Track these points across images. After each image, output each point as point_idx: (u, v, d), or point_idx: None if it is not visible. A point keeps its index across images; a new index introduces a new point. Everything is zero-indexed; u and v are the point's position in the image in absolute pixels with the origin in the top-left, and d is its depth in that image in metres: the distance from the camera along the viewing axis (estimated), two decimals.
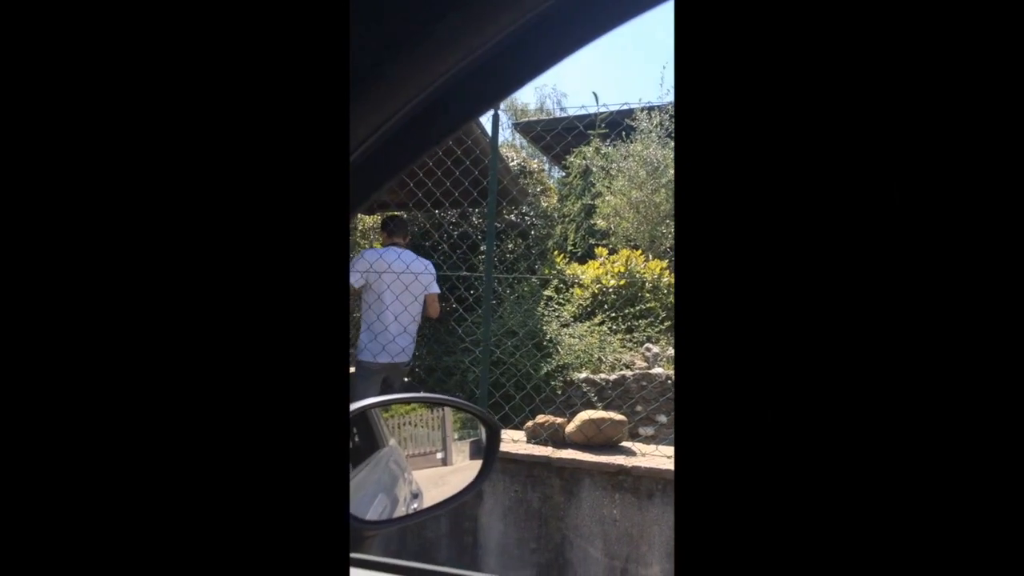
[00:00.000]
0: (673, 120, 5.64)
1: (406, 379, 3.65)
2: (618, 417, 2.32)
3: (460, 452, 1.15)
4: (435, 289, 2.93)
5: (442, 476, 1.13)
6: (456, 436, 1.15)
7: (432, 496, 1.03)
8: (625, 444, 2.32)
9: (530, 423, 2.37)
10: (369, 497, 1.00)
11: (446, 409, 1.17)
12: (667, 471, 2.02)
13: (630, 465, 2.06)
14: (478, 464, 1.00)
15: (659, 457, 2.18)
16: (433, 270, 2.95)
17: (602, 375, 3.42)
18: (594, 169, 6.20)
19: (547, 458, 2.17)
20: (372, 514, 0.91)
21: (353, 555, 0.70)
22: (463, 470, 1.05)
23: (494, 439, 0.95)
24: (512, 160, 6.44)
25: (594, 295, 4.25)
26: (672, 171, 5.22)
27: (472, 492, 0.97)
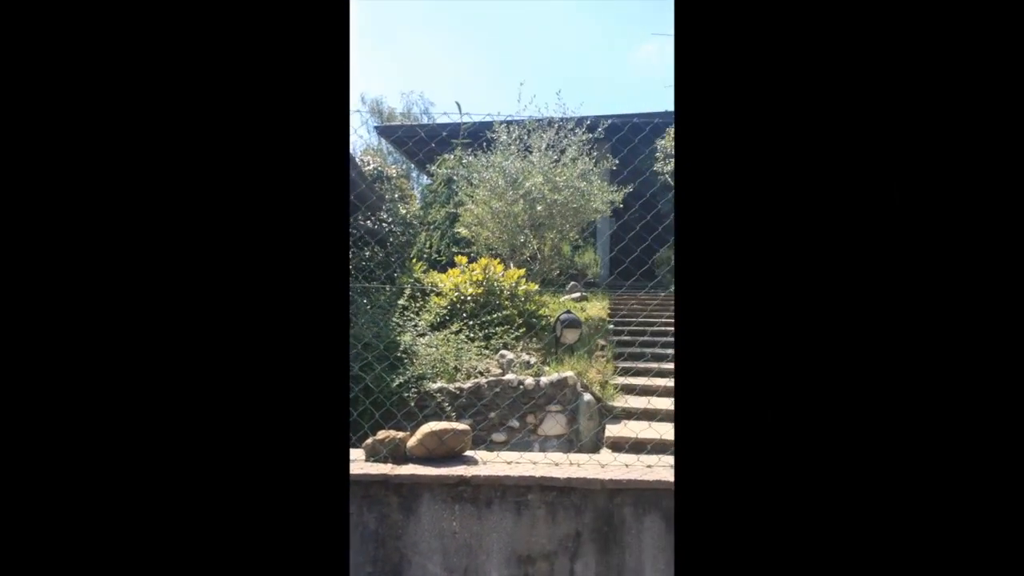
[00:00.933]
0: (529, 134, 5.87)
1: None
2: (460, 427, 2.30)
3: None
4: None
5: None
6: None
7: None
8: (469, 453, 2.29)
9: (369, 440, 2.25)
10: None
11: None
12: (505, 477, 2.03)
13: (470, 475, 2.04)
14: None
15: (499, 464, 2.19)
16: None
17: (457, 384, 3.40)
18: (456, 178, 6.22)
19: (384, 476, 2.07)
20: None
21: None
22: None
23: None
24: (368, 165, 6.21)
25: (452, 303, 4.22)
26: (528, 183, 5.41)
27: None
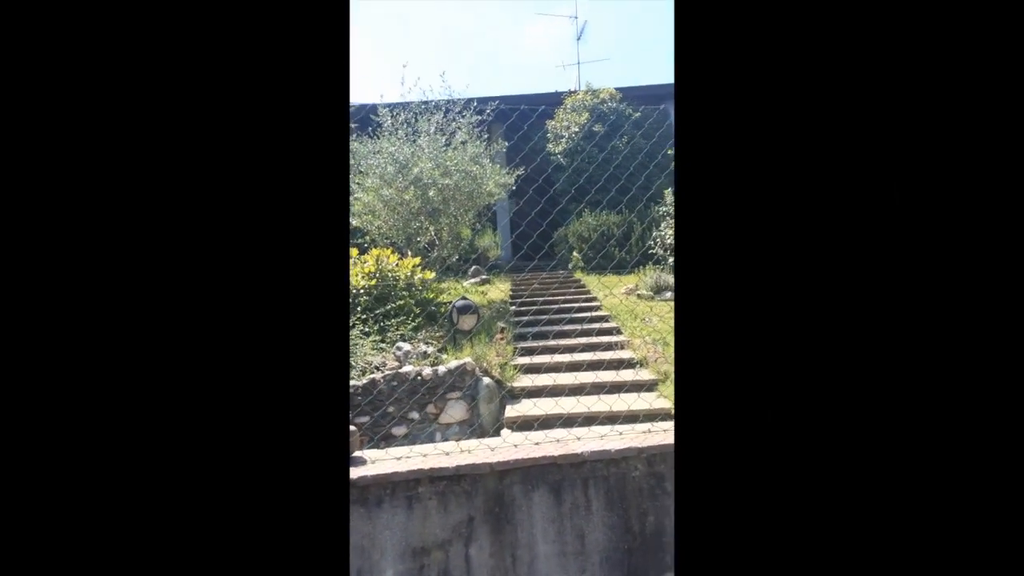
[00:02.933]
0: (416, 118, 5.73)
1: None
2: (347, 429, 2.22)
3: None
4: None
5: None
6: None
7: None
8: (356, 454, 2.23)
9: None
10: None
11: None
12: (393, 474, 2.01)
13: (356, 476, 1.99)
14: None
15: (389, 461, 2.16)
16: None
17: (352, 382, 3.29)
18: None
19: None
20: None
21: None
22: None
23: None
24: None
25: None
26: (417, 168, 5.30)
27: None
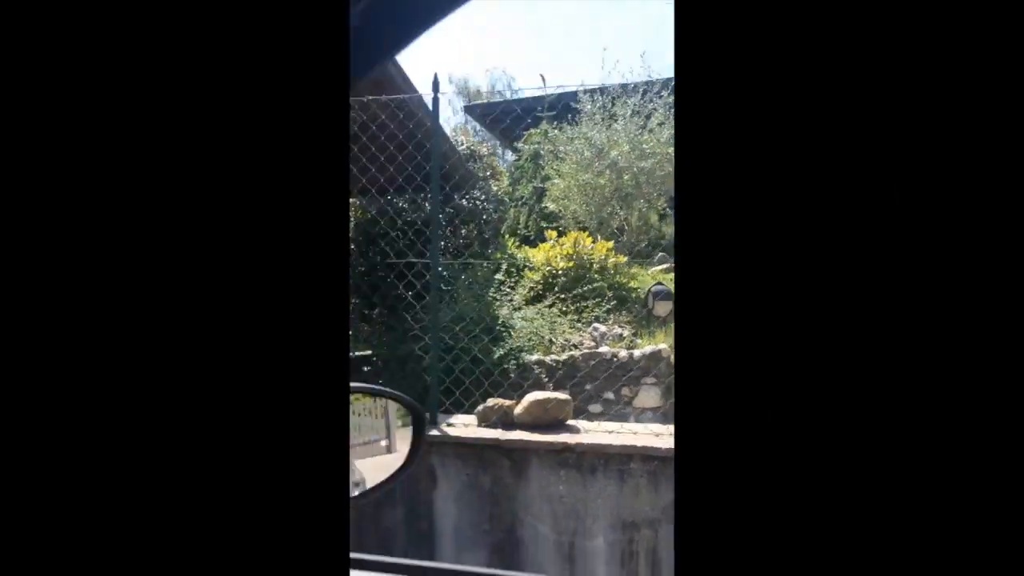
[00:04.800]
0: (613, 102, 5.73)
1: (365, 368, 3.64)
2: (563, 397, 2.42)
3: (404, 439, 1.19)
4: None
5: (387, 463, 1.16)
6: (400, 424, 1.18)
7: (375, 480, 1.06)
8: (571, 422, 2.42)
9: (480, 407, 2.44)
10: None
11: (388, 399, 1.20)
12: (608, 446, 2.13)
13: (574, 442, 2.17)
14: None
15: (600, 433, 2.29)
16: None
17: (553, 356, 3.52)
18: (543, 152, 6.24)
19: (496, 440, 2.25)
20: None
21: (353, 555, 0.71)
22: (405, 457, 1.08)
23: (419, 423, 1.00)
24: (461, 144, 6.40)
25: (545, 278, 4.33)
26: (613, 152, 5.32)
27: (402, 475, 1.02)
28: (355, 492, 1.10)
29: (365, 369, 3.70)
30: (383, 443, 1.18)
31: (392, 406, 1.21)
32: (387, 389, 1.08)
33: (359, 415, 1.23)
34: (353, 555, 0.69)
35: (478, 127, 9.42)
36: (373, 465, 1.16)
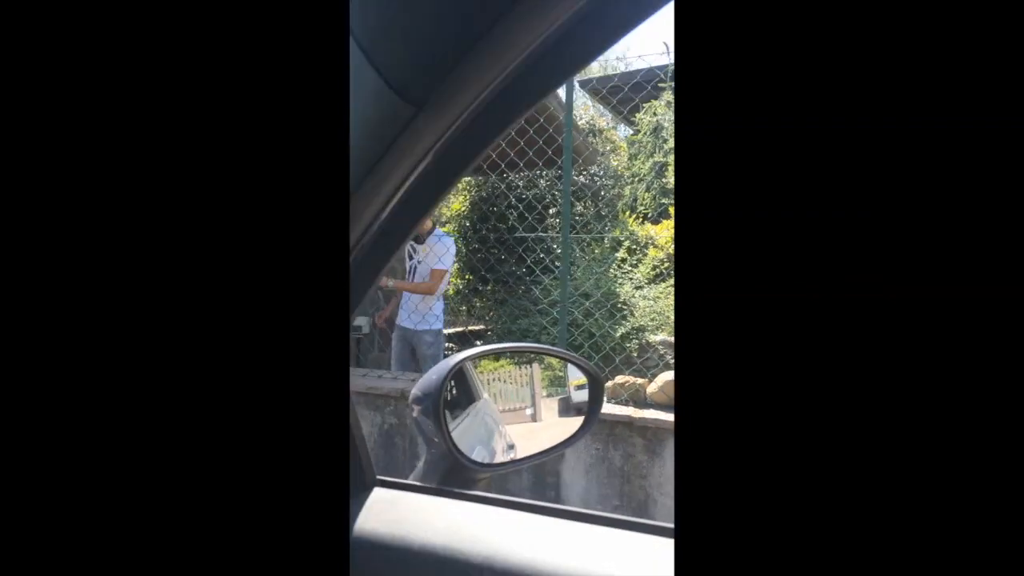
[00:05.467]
0: None
1: (447, 345, 3.73)
2: None
3: (549, 409, 1.17)
4: (441, 265, 2.99)
5: (532, 431, 1.16)
6: (544, 393, 1.17)
7: (525, 449, 1.06)
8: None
9: (610, 383, 2.38)
10: (470, 445, 1.04)
11: (534, 366, 1.19)
12: None
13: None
14: (567, 421, 1.02)
15: None
16: (451, 248, 3.07)
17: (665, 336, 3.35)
18: (666, 125, 5.90)
19: (629, 417, 2.17)
20: (477, 459, 0.95)
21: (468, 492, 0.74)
22: (551, 426, 1.06)
23: (597, 391, 0.96)
24: (581, 119, 6.26)
25: (669, 256, 4.12)
26: None
27: (574, 443, 0.99)
28: (510, 454, 1.10)
29: (478, 343, 3.79)
30: (528, 411, 1.18)
31: (537, 375, 1.19)
32: (563, 351, 1.06)
33: (503, 382, 1.23)
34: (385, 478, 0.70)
35: (592, 102, 9.19)
36: (520, 433, 1.15)
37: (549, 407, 1.19)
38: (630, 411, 2.21)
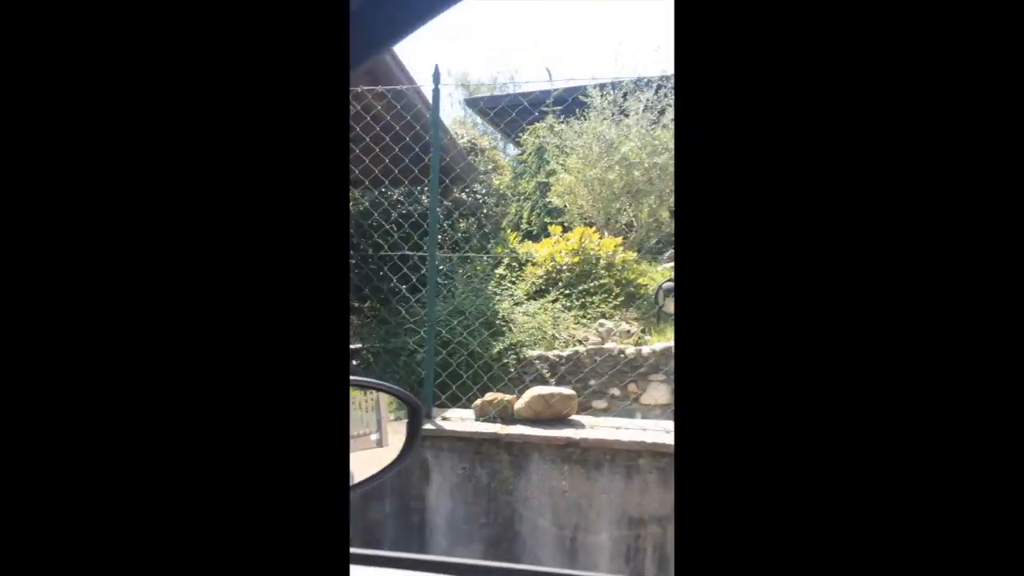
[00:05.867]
0: (625, 97, 5.64)
1: (354, 362, 3.54)
2: (567, 392, 2.31)
3: (396, 433, 1.11)
4: None
5: (378, 457, 1.09)
6: (392, 417, 1.11)
7: (363, 475, 0.99)
8: (575, 418, 2.31)
9: (478, 401, 2.34)
10: None
11: (381, 393, 1.13)
12: (615, 442, 2.03)
13: (579, 438, 2.06)
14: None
15: (607, 428, 2.18)
16: None
17: (555, 352, 3.42)
18: (548, 147, 6.14)
19: (495, 435, 2.14)
20: None
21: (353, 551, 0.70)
22: (399, 451, 1.01)
23: (416, 417, 0.92)
24: (462, 137, 6.31)
25: (548, 273, 4.23)
26: (624, 148, 5.22)
27: (395, 469, 0.94)
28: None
29: (354, 363, 3.60)
30: (373, 437, 1.11)
31: (384, 400, 1.13)
32: (381, 382, 1.01)
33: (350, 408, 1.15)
34: (352, 550, 0.69)
35: (479, 121, 9.35)
36: (363, 459, 1.09)
37: (397, 431, 1.12)
38: (497, 428, 2.18)
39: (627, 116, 5.50)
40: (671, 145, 5.20)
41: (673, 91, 5.57)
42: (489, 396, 2.33)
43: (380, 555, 0.76)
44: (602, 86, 5.77)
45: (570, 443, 2.08)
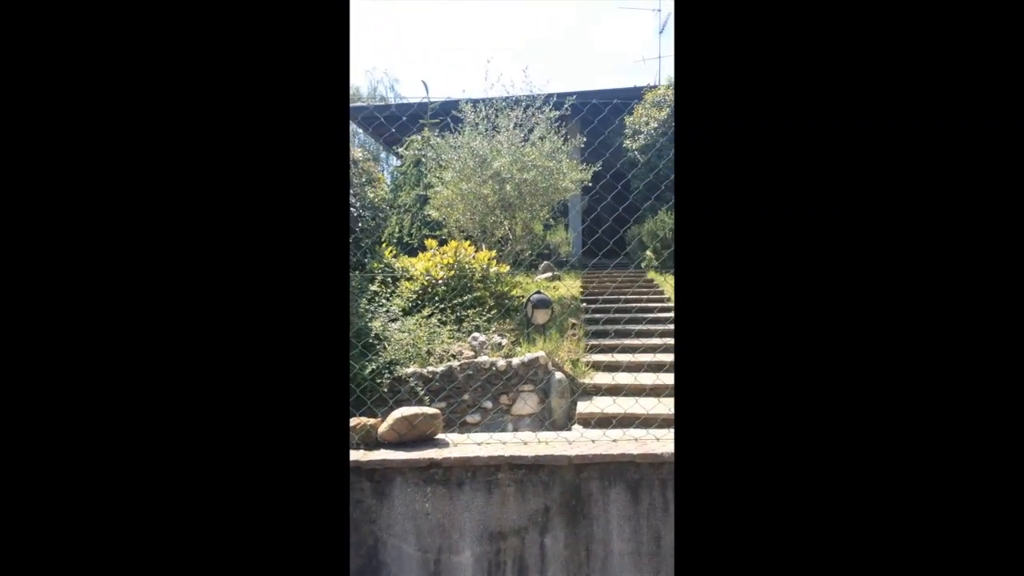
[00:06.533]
0: (497, 114, 5.82)
1: None
2: (431, 411, 2.33)
3: None
4: None
5: None
6: None
7: None
8: (440, 436, 2.34)
9: None
10: None
11: None
12: (475, 458, 2.09)
13: (440, 457, 2.09)
14: None
15: (470, 445, 2.24)
16: None
17: (430, 368, 3.42)
18: (425, 159, 6.15)
19: (356, 462, 2.10)
20: None
21: None
22: None
23: None
24: None
25: (424, 287, 4.22)
26: (496, 163, 5.39)
27: None
28: None
29: None
30: None
31: None
32: None
33: None
34: None
35: (358, 130, 9.06)
36: None
37: None
38: (359, 455, 2.14)
39: (499, 132, 5.68)
40: (539, 162, 5.46)
41: (539, 111, 5.85)
42: (353, 421, 2.28)
43: None
44: (474, 102, 5.91)
45: (432, 464, 2.11)
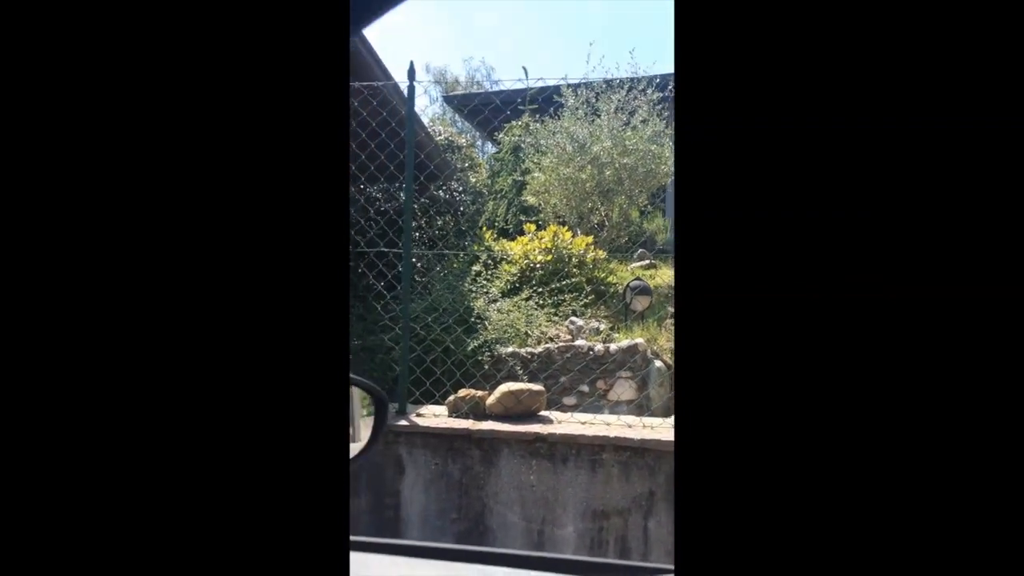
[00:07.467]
0: (598, 97, 5.73)
1: None
2: (536, 388, 2.39)
3: (367, 428, 1.16)
4: None
5: (351, 450, 1.13)
6: (364, 412, 1.15)
7: None
8: (544, 413, 2.39)
9: (451, 397, 2.40)
10: None
11: (352, 388, 1.17)
12: (580, 436, 2.12)
13: (546, 432, 2.14)
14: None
15: (574, 423, 2.27)
16: None
17: (528, 348, 3.50)
18: (523, 145, 6.21)
19: (467, 430, 2.21)
20: None
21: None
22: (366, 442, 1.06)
23: (382, 409, 0.96)
24: (439, 135, 6.32)
25: (522, 271, 4.30)
26: (595, 148, 5.32)
27: (362, 459, 0.99)
28: None
29: None
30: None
31: (356, 395, 1.17)
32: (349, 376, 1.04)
33: None
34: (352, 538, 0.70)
35: (457, 118, 9.34)
36: None
37: (367, 426, 1.17)
38: (468, 424, 2.25)
39: (599, 116, 5.59)
40: (640, 147, 5.31)
41: (642, 93, 5.67)
42: (462, 392, 2.40)
43: (379, 542, 0.75)
44: (574, 86, 5.85)
45: (538, 438, 2.16)
